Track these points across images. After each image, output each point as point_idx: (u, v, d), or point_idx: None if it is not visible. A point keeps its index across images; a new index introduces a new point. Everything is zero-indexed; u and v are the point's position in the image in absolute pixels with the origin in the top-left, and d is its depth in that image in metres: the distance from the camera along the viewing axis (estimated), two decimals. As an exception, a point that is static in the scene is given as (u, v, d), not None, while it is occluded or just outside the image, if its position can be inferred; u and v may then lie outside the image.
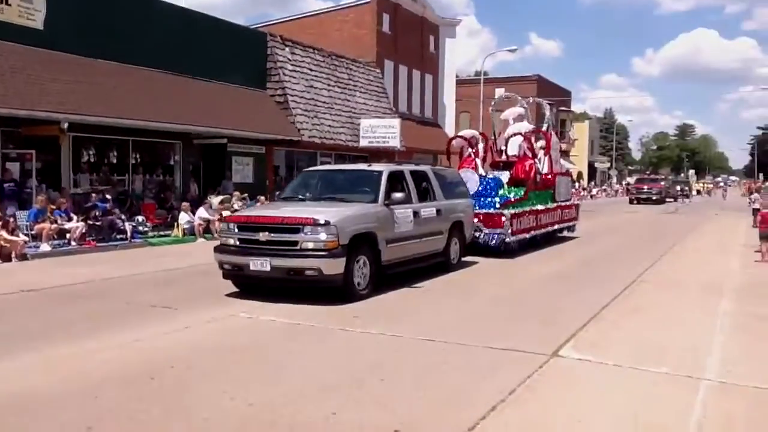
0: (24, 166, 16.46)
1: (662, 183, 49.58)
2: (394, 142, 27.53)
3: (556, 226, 17.46)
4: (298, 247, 8.77)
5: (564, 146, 60.86)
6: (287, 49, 25.34)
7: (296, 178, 12.30)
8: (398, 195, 10.00)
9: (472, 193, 14.36)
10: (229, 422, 4.71)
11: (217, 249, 9.54)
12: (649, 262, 13.40)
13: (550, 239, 17.17)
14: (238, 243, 9.26)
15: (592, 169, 73.50)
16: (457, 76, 45.34)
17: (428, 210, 11.09)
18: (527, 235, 15.16)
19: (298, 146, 24.78)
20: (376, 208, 9.76)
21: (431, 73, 38.93)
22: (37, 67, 15.70)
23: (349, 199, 10.01)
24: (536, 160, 17.44)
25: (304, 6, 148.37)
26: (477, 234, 13.71)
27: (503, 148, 18.69)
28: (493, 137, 19.32)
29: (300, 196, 10.59)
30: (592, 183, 68.39)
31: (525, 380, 5.63)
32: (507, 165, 17.62)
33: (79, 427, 4.58)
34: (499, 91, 58.16)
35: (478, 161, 17.42)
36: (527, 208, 15.35)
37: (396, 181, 10.63)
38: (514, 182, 16.52)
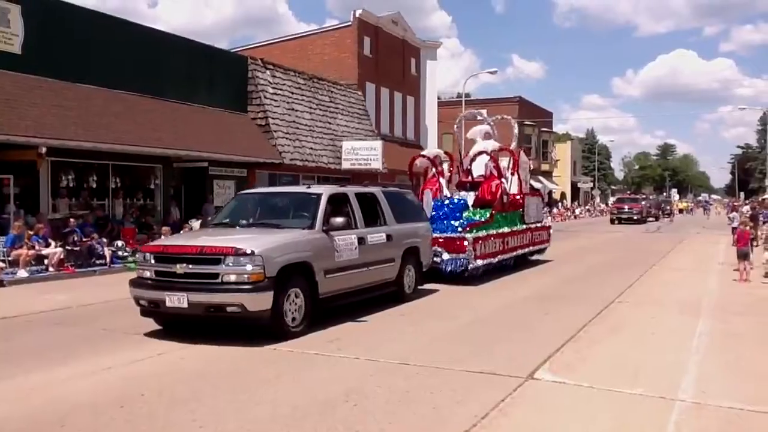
0: (1, 191, 16.32)
1: (642, 203, 49.36)
2: (377, 164, 27.60)
3: (526, 249, 16.62)
4: (218, 281, 7.82)
5: (546, 167, 61.49)
6: (268, 72, 25.42)
7: (230, 202, 11.42)
8: (339, 220, 9.09)
9: (429, 216, 13.83)
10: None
11: (132, 282, 8.55)
12: (628, 282, 13.47)
13: (521, 264, 16.43)
14: (154, 276, 8.31)
15: (575, 190, 73.97)
16: (439, 98, 45.62)
17: (376, 236, 10.20)
18: (494, 260, 14.29)
19: (280, 168, 24.77)
20: (313, 234, 8.85)
21: (413, 95, 39.16)
22: (15, 91, 15.63)
23: (285, 225, 9.16)
24: (503, 180, 16.59)
25: (288, 29, 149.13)
26: (437, 260, 12.92)
27: (469, 167, 17.72)
28: (459, 156, 18.61)
29: (232, 222, 9.69)
30: (575, 203, 68.81)
31: (498, 404, 5.61)
32: (474, 185, 16.80)
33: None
34: (482, 113, 59.05)
35: (443, 182, 16.66)
36: (493, 231, 14.51)
37: (338, 204, 9.81)
38: (480, 203, 15.73)
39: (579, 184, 73.65)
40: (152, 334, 8.50)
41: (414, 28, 39.71)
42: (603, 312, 10.21)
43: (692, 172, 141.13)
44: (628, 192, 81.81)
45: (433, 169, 16.89)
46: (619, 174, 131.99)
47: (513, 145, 18.91)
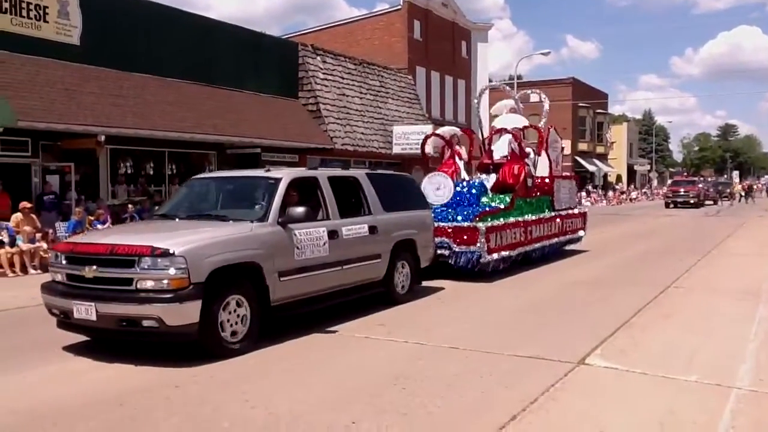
0: (63, 179, 16.89)
1: (700, 185, 47.25)
2: (428, 149, 27.45)
3: (555, 240, 14.67)
4: (133, 287, 6.34)
5: (601, 149, 60.28)
6: (319, 58, 25.55)
7: (180, 188, 9.64)
8: (299, 210, 7.43)
9: (445, 201, 12.63)
10: None
11: (43, 287, 7.15)
12: (683, 268, 13.11)
13: (550, 255, 14.57)
14: (65, 280, 6.92)
15: (631, 172, 72.42)
16: (490, 81, 45.11)
17: (355, 228, 8.55)
18: (512, 253, 12.44)
19: (331, 154, 24.93)
20: (264, 228, 7.23)
21: (463, 79, 38.82)
22: (74, 81, 16.11)
23: (232, 217, 7.60)
24: (527, 162, 14.72)
25: (338, 14, 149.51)
26: (446, 252, 11.42)
27: (491, 148, 15.76)
28: (480, 135, 16.81)
29: (172, 214, 8.14)
30: (632, 186, 67.36)
31: (548, 389, 5.56)
32: (496, 168, 14.85)
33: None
34: (534, 95, 58.12)
35: (461, 163, 14.77)
36: (512, 220, 12.69)
37: (305, 191, 8.30)
38: (500, 188, 13.94)
39: (635, 167, 72.08)
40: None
41: (465, 10, 39.32)
42: (659, 297, 9.99)
43: (755, 153, 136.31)
44: (685, 174, 79.29)
45: (449, 150, 14.96)
46: (678, 156, 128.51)
47: (542, 122, 16.75)
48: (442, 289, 10.77)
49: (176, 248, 6.34)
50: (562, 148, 16.87)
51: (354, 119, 26.34)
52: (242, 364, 6.47)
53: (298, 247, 7.53)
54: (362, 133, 26.45)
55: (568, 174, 18.81)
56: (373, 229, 8.88)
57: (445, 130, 15.93)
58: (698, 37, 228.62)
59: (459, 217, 11.82)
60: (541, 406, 5.19)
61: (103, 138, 15.88)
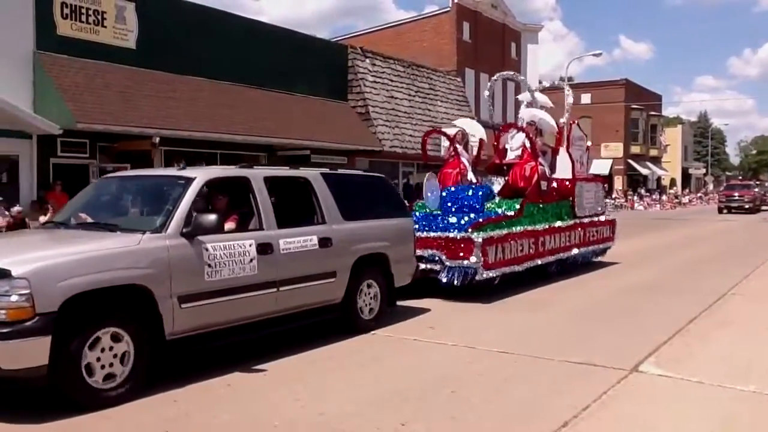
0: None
1: (756, 189, 44.70)
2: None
3: (576, 251, 12.76)
4: None
5: (654, 152, 59.04)
6: (368, 60, 25.68)
7: (86, 189, 7.88)
8: (208, 219, 5.94)
9: (433, 208, 11.41)
10: None
11: None
12: (740, 276, 12.72)
13: (570, 268, 12.75)
14: None
15: (685, 176, 70.72)
16: (540, 82, 44.65)
17: (298, 240, 6.98)
18: (518, 267, 10.77)
19: (380, 156, 25.02)
20: (158, 241, 5.75)
21: (513, 80, 38.49)
22: (130, 84, 16.52)
23: (123, 226, 6.19)
24: (543, 162, 12.95)
25: (387, 17, 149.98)
26: (436, 267, 9.93)
27: (507, 146, 13.98)
28: (494, 132, 15.22)
29: (65, 221, 6.75)
30: (686, 190, 65.78)
31: (600, 396, 5.47)
32: (509, 169, 13.36)
33: None
34: (585, 97, 57.28)
35: (466, 163, 13.15)
36: (518, 229, 10.90)
37: (231, 195, 7.02)
38: (509, 192, 12.43)
39: (690, 171, 70.34)
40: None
41: (515, 12, 39.04)
42: (714, 305, 9.72)
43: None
44: (739, 177, 76.75)
45: (454, 149, 13.29)
46: (735, 160, 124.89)
47: (564, 118, 14.85)
48: (426, 311, 9.13)
49: (17, 268, 4.93)
50: (588, 147, 15.22)
51: (402, 121, 26.38)
52: (292, 364, 6.52)
53: (210, 265, 6.01)
54: (411, 136, 26.45)
55: (593, 176, 16.82)
56: (325, 242, 7.29)
57: (462, 123, 14.30)
58: (757, 37, 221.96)
59: (453, 226, 10.24)
60: (593, 413, 5.11)
61: (157, 140, 16.24)
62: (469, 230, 10.01)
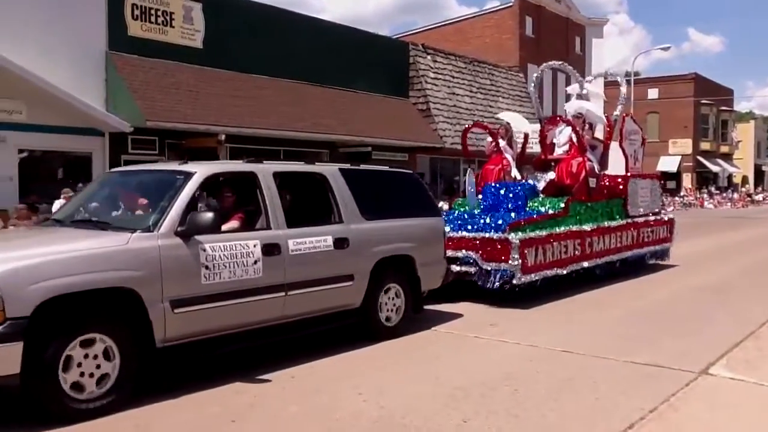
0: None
1: None
2: (539, 147, 26.96)
3: (628, 253, 12.02)
4: None
5: (725, 149, 57.05)
6: (429, 57, 25.63)
7: (90, 184, 7.94)
8: (205, 217, 5.59)
9: (472, 206, 10.79)
10: (362, 424, 4.81)
11: None
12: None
13: (624, 270, 11.99)
14: None
15: (759, 173, 68.11)
16: (605, 77, 43.74)
17: (311, 241, 6.53)
18: (561, 270, 10.12)
19: (441, 153, 24.95)
20: (148, 241, 5.37)
21: (561, 71, 37.81)
22: (197, 83, 16.94)
23: (116, 224, 5.83)
24: (591, 157, 12.24)
25: (448, 13, 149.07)
26: (472, 270, 9.38)
27: (555, 141, 13.12)
28: (540, 125, 14.17)
29: (67, 218, 6.39)
30: (759, 188, 63.35)
31: (668, 398, 5.33)
32: (557, 164, 12.53)
33: None
34: (652, 92, 55.76)
35: (510, 159, 12.29)
36: (561, 230, 10.24)
37: (233, 191, 6.66)
38: (556, 189, 11.74)
39: (763, 167, 67.74)
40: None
41: (579, 5, 38.30)
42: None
43: None
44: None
45: (497, 144, 12.39)
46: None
47: (618, 110, 13.78)
48: (457, 317, 8.65)
49: None
50: (643, 140, 14.23)
51: (464, 118, 26.21)
52: (354, 359, 6.59)
53: (207, 267, 5.61)
54: (472, 132, 26.23)
55: (648, 172, 15.68)
56: (341, 243, 6.81)
57: (507, 117, 13.45)
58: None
59: (490, 226, 9.62)
60: (661, 415, 4.98)
61: (223, 137, 16.61)
62: (507, 230, 9.42)
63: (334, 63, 21.28)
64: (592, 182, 11.68)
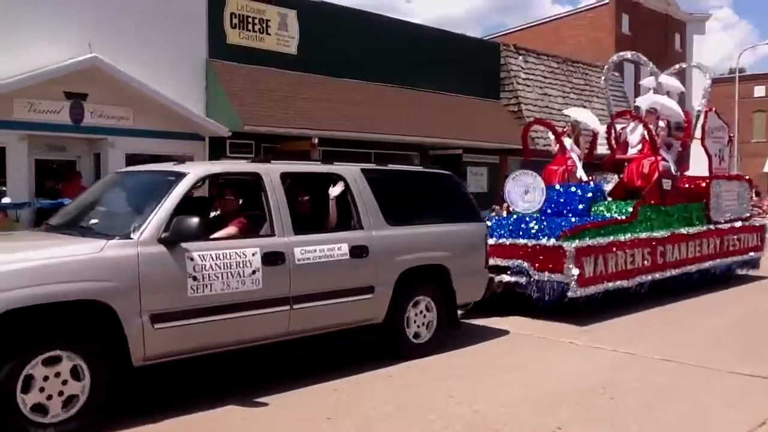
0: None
1: None
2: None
3: (709, 263, 10.80)
4: None
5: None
6: (520, 57, 25.29)
7: (95, 185, 7.50)
8: (190, 222, 5.02)
9: (536, 209, 9.75)
10: (455, 427, 4.82)
11: None
12: None
13: (704, 283, 10.75)
14: None
15: None
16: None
17: (322, 249, 5.90)
18: (625, 282, 9.04)
19: (534, 154, 24.55)
20: (124, 249, 4.86)
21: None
22: (292, 88, 17.37)
23: (99, 230, 5.34)
24: (667, 156, 11.18)
25: (541, 12, 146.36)
26: (522, 281, 8.52)
27: (629, 139, 11.95)
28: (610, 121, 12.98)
29: (63, 222, 5.87)
30: None
31: (779, 412, 5.07)
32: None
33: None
34: (759, 89, 52.82)
35: (576, 159, 11.38)
36: (626, 237, 9.21)
37: (236, 194, 6.11)
38: (624, 191, 10.75)
39: None
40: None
41: (679, 1, 36.81)
42: None
43: None
44: None
45: (564, 141, 11.65)
46: None
47: (701, 104, 12.69)
48: (501, 334, 7.80)
49: None
50: (730, 139, 12.87)
51: (556, 119, 25.69)
52: (440, 363, 6.56)
53: (195, 277, 5.08)
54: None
55: (736, 174, 14.25)
56: (359, 251, 6.15)
57: (577, 114, 12.43)
58: None
59: (543, 232, 8.72)
60: (769, 429, 4.75)
61: (316, 140, 16.95)
62: (561, 238, 8.49)
63: (425, 65, 21.32)
64: (667, 184, 10.67)
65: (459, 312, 7.37)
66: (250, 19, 17.04)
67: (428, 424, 4.90)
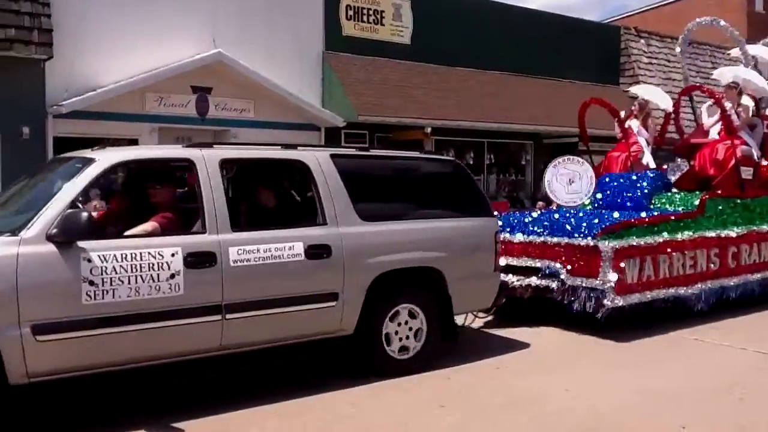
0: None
1: None
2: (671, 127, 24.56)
3: None
4: None
5: None
6: (642, 41, 24.23)
7: (27, 174, 6.18)
8: (79, 217, 4.30)
9: (582, 201, 8.64)
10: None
11: None
12: None
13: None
14: None
15: None
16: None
17: (267, 248, 5.02)
18: (682, 290, 7.48)
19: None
20: (3, 249, 4.20)
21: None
22: (405, 78, 17.49)
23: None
24: (749, 140, 9.51)
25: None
26: (553, 285, 7.11)
27: (704, 122, 10.60)
28: (687, 100, 11.38)
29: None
30: None
31: None
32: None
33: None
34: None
35: (644, 143, 10.09)
36: (687, 235, 7.64)
37: (161, 185, 5.20)
38: (695, 181, 9.29)
39: None
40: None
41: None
42: None
43: None
44: None
45: (629, 125, 10.38)
46: None
47: None
48: (508, 351, 6.55)
49: None
50: None
51: (681, 105, 24.51)
52: (431, 382, 5.58)
53: (93, 282, 4.34)
54: (690, 120, 24.49)
55: None
56: (318, 251, 5.24)
57: (645, 91, 11.21)
58: None
59: (578, 229, 7.20)
60: None
61: (429, 129, 17.01)
62: (599, 235, 6.96)
63: (540, 51, 20.86)
64: (747, 173, 8.99)
65: (474, 322, 6.89)
66: (365, 11, 17.29)
67: (545, 416, 4.83)
